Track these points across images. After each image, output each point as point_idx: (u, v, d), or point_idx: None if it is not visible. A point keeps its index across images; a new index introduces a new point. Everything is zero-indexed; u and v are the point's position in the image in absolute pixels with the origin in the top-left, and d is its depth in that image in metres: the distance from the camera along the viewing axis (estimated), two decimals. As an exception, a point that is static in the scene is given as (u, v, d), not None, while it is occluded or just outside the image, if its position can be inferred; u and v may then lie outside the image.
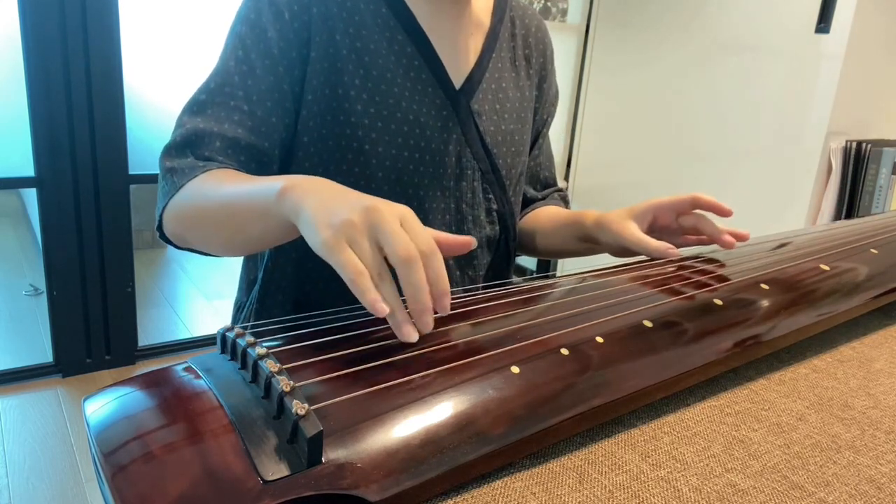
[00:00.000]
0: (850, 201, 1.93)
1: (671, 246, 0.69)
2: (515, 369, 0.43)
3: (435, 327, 0.48)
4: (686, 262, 0.66)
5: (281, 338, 0.45)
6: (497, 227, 0.83)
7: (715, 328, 0.54)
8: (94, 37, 1.97)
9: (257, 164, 0.70)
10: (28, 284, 2.87)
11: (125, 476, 0.33)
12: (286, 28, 0.69)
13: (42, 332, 2.34)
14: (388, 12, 0.74)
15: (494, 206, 0.82)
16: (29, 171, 1.99)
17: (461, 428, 0.39)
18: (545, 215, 0.90)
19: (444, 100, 0.76)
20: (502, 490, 0.39)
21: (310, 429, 0.34)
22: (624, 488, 0.40)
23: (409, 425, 0.38)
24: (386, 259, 0.46)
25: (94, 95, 2.00)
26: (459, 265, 0.81)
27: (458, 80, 0.78)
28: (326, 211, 0.47)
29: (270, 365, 0.38)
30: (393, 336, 0.46)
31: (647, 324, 0.51)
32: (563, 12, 2.59)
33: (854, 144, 1.91)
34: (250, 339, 0.42)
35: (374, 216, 0.45)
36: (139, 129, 2.12)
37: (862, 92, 1.92)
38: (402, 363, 0.43)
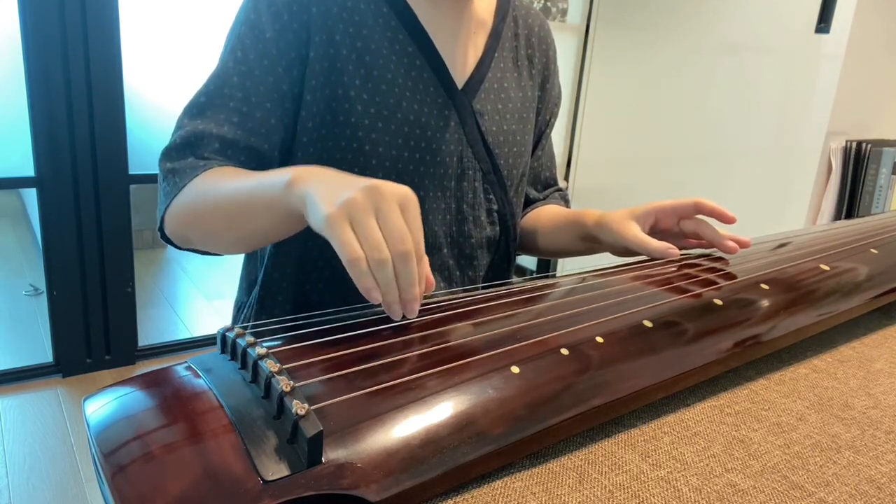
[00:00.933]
0: (850, 201, 1.93)
1: (671, 246, 0.69)
2: (515, 369, 0.43)
3: (435, 327, 0.48)
4: (686, 263, 0.66)
5: (281, 338, 0.45)
6: (497, 228, 0.83)
7: (715, 328, 0.54)
8: (94, 37, 1.97)
9: (257, 164, 0.71)
10: (28, 284, 2.87)
11: (125, 476, 0.33)
12: (285, 28, 0.69)
13: (42, 332, 2.34)
14: (389, 12, 0.74)
15: (495, 207, 0.82)
16: (29, 171, 1.99)
17: (461, 428, 0.39)
18: (546, 215, 0.90)
19: (446, 99, 0.76)
20: (502, 490, 0.39)
21: (310, 429, 0.34)
22: (624, 488, 0.40)
23: (409, 425, 0.38)
24: None
25: (94, 95, 2.00)
26: (459, 266, 0.81)
27: (459, 80, 0.78)
28: (330, 192, 0.49)
29: (270, 365, 0.38)
30: (393, 336, 0.46)
31: (647, 324, 0.51)
32: (563, 12, 2.59)
33: (854, 144, 1.91)
34: (250, 339, 0.42)
35: (375, 196, 0.47)
36: (139, 129, 2.12)
37: (862, 92, 1.92)
38: (403, 363, 0.43)
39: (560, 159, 2.67)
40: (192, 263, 3.26)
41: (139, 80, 2.15)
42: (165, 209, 0.67)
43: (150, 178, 2.16)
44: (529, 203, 0.95)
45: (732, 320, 0.55)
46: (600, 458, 0.42)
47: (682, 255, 0.69)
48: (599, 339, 0.48)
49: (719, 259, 0.67)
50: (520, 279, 0.67)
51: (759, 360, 0.58)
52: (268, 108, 0.70)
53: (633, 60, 2.40)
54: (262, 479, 0.33)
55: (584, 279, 0.60)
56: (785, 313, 0.58)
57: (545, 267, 2.81)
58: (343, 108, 0.71)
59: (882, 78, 1.97)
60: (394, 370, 0.42)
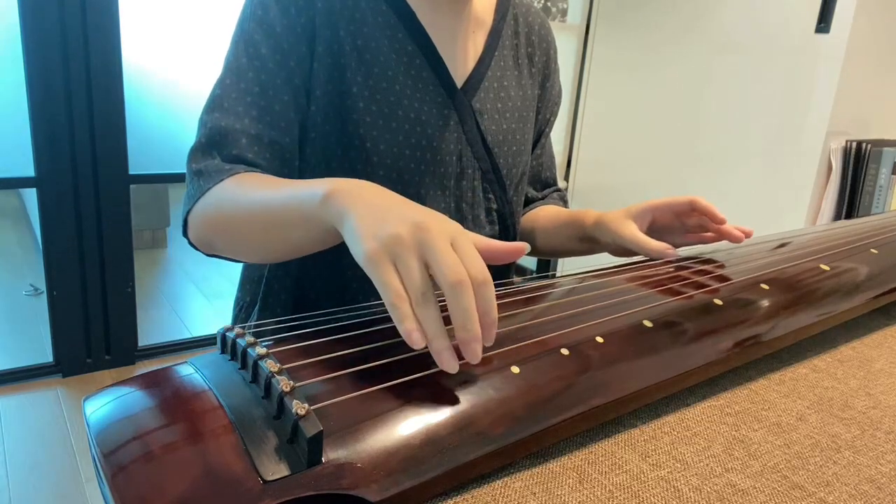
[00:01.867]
0: (850, 201, 1.93)
1: (669, 246, 0.69)
2: (515, 369, 0.43)
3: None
4: (686, 263, 0.66)
5: (281, 338, 0.45)
6: (497, 227, 0.83)
7: (715, 328, 0.54)
8: (94, 37, 1.97)
9: (280, 161, 0.69)
10: (28, 284, 2.87)
11: (125, 476, 0.33)
12: (293, 23, 0.69)
13: (42, 332, 2.34)
14: (388, 10, 0.74)
15: (494, 206, 0.82)
16: (29, 171, 1.99)
17: (461, 428, 0.39)
18: (544, 215, 0.90)
19: (446, 98, 0.76)
20: (502, 490, 0.39)
21: (310, 429, 0.34)
22: (624, 488, 0.40)
23: (409, 425, 0.38)
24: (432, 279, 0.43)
25: (94, 95, 2.00)
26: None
27: (459, 79, 0.78)
28: (374, 221, 0.45)
29: (270, 365, 0.38)
30: (393, 336, 0.46)
31: (647, 324, 0.51)
32: (563, 12, 2.59)
33: (854, 144, 1.91)
34: (250, 339, 0.42)
35: (423, 234, 0.42)
36: (139, 129, 2.12)
37: (862, 92, 1.92)
38: (403, 363, 0.43)
39: (560, 159, 2.67)
40: (193, 263, 3.26)
41: (139, 79, 2.15)
42: (188, 212, 0.66)
43: (150, 178, 2.15)
44: (528, 203, 0.95)
45: (732, 320, 0.55)
46: (600, 458, 0.42)
47: (680, 255, 0.69)
48: (599, 339, 0.48)
49: (718, 260, 0.67)
50: (520, 279, 0.67)
51: (759, 360, 0.58)
52: (285, 101, 0.69)
53: (633, 60, 2.40)
54: (262, 479, 0.33)
55: (584, 279, 0.60)
56: (785, 313, 0.58)
57: (545, 267, 2.81)
58: (346, 104, 0.71)
59: (882, 78, 1.97)
60: (394, 370, 0.42)
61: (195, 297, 2.94)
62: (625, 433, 0.46)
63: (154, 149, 2.14)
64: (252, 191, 0.59)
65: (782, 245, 0.72)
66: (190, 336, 2.50)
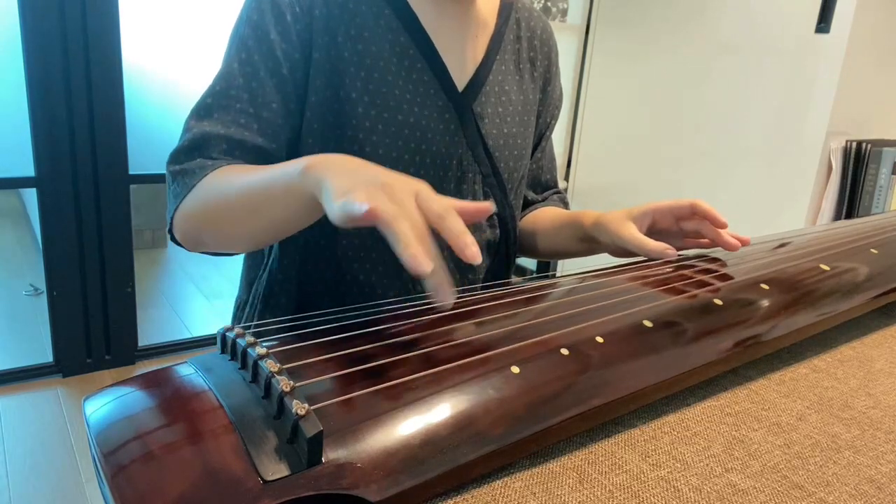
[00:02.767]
0: (850, 201, 1.93)
1: (668, 247, 0.69)
2: (515, 369, 0.43)
3: (435, 327, 0.48)
4: (686, 263, 0.66)
5: (281, 338, 0.45)
6: (497, 231, 0.83)
7: (715, 328, 0.54)
8: (94, 37, 1.97)
9: (265, 164, 0.70)
10: (28, 284, 2.87)
11: (125, 476, 0.33)
12: (289, 29, 0.69)
13: (42, 332, 2.34)
14: (390, 14, 0.74)
15: (495, 210, 0.82)
16: (29, 171, 1.99)
17: (461, 428, 0.39)
18: (545, 216, 0.90)
19: (447, 102, 0.76)
20: (502, 490, 0.39)
21: (310, 429, 0.34)
22: (624, 488, 0.40)
23: (409, 425, 0.38)
24: None
25: (94, 95, 2.00)
26: (459, 268, 0.81)
27: (461, 83, 0.77)
28: (346, 180, 0.48)
29: (270, 365, 0.38)
30: (393, 336, 0.46)
31: (647, 324, 0.51)
32: (563, 12, 2.59)
33: (854, 144, 1.91)
34: (250, 338, 0.42)
35: (390, 190, 0.46)
36: (139, 129, 2.12)
37: (862, 92, 1.92)
38: (402, 363, 0.43)
39: (560, 159, 2.67)
40: (193, 263, 3.26)
41: (139, 79, 2.15)
42: (175, 210, 0.67)
43: (150, 178, 2.15)
44: (528, 205, 0.95)
45: (732, 320, 0.55)
46: (600, 458, 0.42)
47: (679, 255, 0.69)
48: (599, 339, 0.48)
49: (718, 260, 0.67)
50: (520, 279, 0.67)
51: (759, 360, 0.58)
52: (274, 109, 0.70)
53: (633, 60, 2.40)
54: (262, 479, 0.33)
55: (584, 279, 0.60)
56: (785, 313, 0.58)
57: (545, 267, 2.81)
58: (344, 110, 0.71)
59: (882, 78, 1.97)
60: (394, 370, 0.42)
61: (195, 297, 2.94)
62: (625, 433, 0.46)
63: (154, 149, 2.14)
64: (236, 178, 0.61)
65: (782, 245, 0.72)
66: (190, 336, 2.50)
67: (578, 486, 0.39)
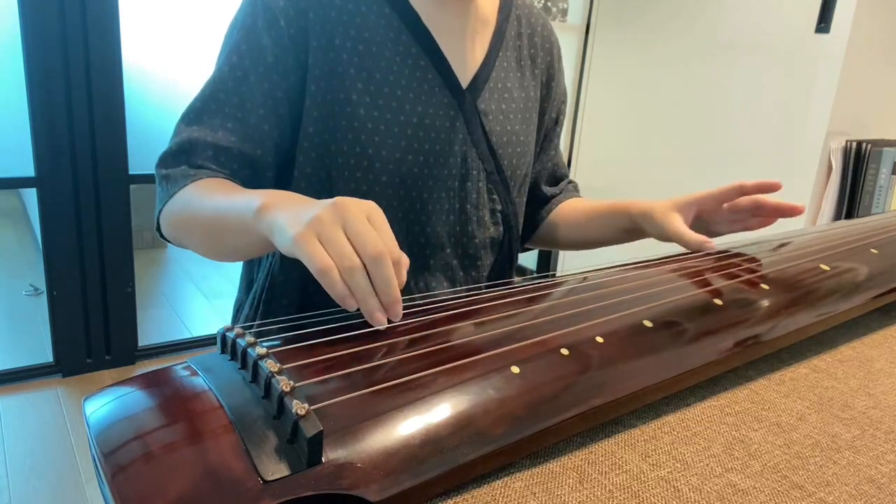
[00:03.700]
0: (850, 201, 1.93)
1: (707, 239, 0.72)
2: (515, 369, 0.43)
3: (435, 327, 0.48)
4: (687, 263, 0.66)
5: (281, 338, 0.45)
6: (501, 228, 0.83)
7: (715, 328, 0.54)
8: (94, 37, 1.97)
9: (251, 170, 0.72)
10: (28, 284, 2.87)
11: (125, 476, 0.33)
12: (281, 35, 0.70)
13: (42, 332, 2.34)
14: (392, 13, 0.73)
15: (499, 207, 0.82)
16: (29, 171, 1.99)
17: (461, 428, 0.39)
18: (572, 208, 0.92)
19: (451, 99, 0.76)
20: (502, 490, 0.39)
21: (310, 429, 0.34)
22: (624, 488, 0.40)
23: (409, 425, 0.38)
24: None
25: (94, 95, 2.00)
26: (463, 266, 0.81)
27: (464, 80, 0.77)
28: (295, 215, 0.49)
29: (270, 365, 0.38)
30: (393, 336, 0.46)
31: (647, 324, 0.51)
32: (564, 12, 2.59)
33: (854, 144, 1.91)
34: (250, 339, 0.42)
35: (342, 212, 0.47)
36: (139, 129, 2.12)
37: (862, 92, 1.92)
38: (403, 363, 0.43)
39: (560, 159, 2.67)
40: (192, 263, 3.26)
41: (139, 79, 2.15)
42: (160, 212, 0.70)
43: (150, 178, 2.15)
44: (547, 199, 0.96)
45: (732, 320, 0.55)
46: (600, 458, 0.42)
47: (715, 247, 0.71)
48: (599, 339, 0.48)
49: (720, 259, 0.67)
50: (520, 279, 0.67)
51: (759, 360, 0.58)
52: (261, 115, 0.70)
53: (633, 60, 2.40)
54: (262, 479, 0.33)
55: (584, 279, 0.60)
56: (785, 313, 0.58)
57: (545, 267, 2.81)
58: (345, 112, 0.71)
59: (882, 78, 1.97)
60: (394, 370, 0.42)
61: (195, 297, 2.94)
62: (625, 433, 0.46)
63: (154, 149, 2.12)
64: (206, 197, 0.64)
65: (782, 245, 0.72)
66: (190, 336, 2.50)
67: (578, 486, 0.39)
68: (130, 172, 2.11)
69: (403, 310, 0.48)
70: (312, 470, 0.34)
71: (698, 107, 2.20)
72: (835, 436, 0.47)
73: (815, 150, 1.90)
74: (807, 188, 1.93)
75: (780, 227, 0.79)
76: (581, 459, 0.42)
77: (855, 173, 1.92)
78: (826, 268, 0.65)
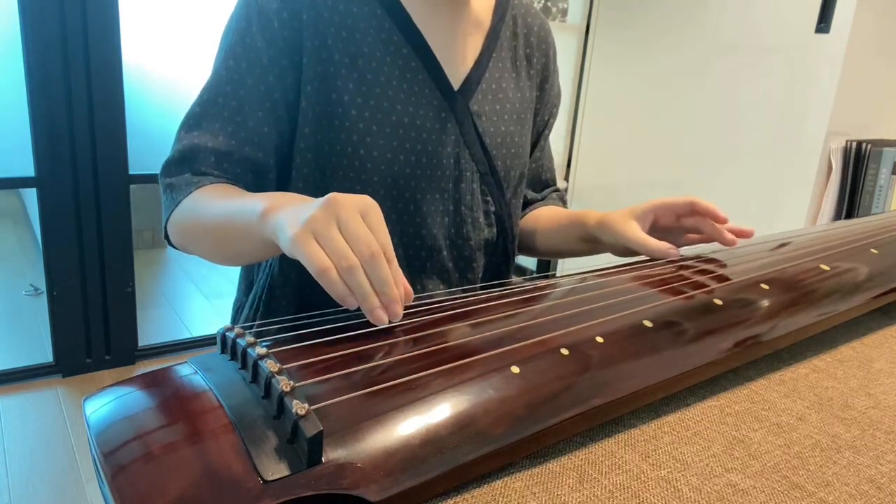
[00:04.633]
0: (850, 201, 1.93)
1: (672, 246, 0.70)
2: (515, 369, 0.43)
3: (435, 327, 0.48)
4: (686, 263, 0.66)
5: (281, 338, 0.45)
6: (495, 230, 0.83)
7: (715, 328, 0.54)
8: (94, 37, 1.97)
9: (253, 174, 0.72)
10: (28, 284, 2.87)
11: (125, 476, 0.33)
12: (275, 36, 0.70)
13: (42, 332, 2.34)
14: (383, 14, 0.73)
15: (493, 209, 0.82)
16: (29, 171, 1.99)
17: (461, 428, 0.39)
18: (545, 216, 0.90)
19: (442, 101, 0.75)
20: (502, 490, 0.39)
21: (310, 429, 0.34)
22: (624, 488, 0.40)
23: (409, 425, 0.38)
24: None
25: (94, 95, 2.00)
26: (458, 268, 0.81)
27: (456, 81, 0.77)
28: (294, 216, 0.50)
29: (270, 365, 0.38)
30: (393, 336, 0.46)
31: (647, 324, 0.51)
32: (564, 12, 2.59)
33: (854, 144, 1.91)
34: (250, 339, 0.42)
35: (337, 209, 0.48)
36: (139, 129, 2.12)
37: (862, 92, 1.92)
38: (403, 363, 0.43)
39: (560, 159, 2.67)
40: (193, 263, 3.26)
41: (139, 79, 2.15)
42: (167, 221, 0.71)
43: (150, 179, 2.15)
44: (528, 204, 0.95)
45: (732, 320, 0.55)
46: (600, 458, 0.42)
47: (682, 255, 0.69)
48: (599, 339, 0.48)
49: (719, 260, 0.67)
50: (519, 279, 0.67)
51: (759, 360, 0.58)
52: (260, 117, 0.71)
53: (633, 60, 2.40)
54: (263, 479, 0.33)
55: (584, 279, 0.60)
56: (785, 313, 0.58)
57: (545, 267, 2.81)
58: (337, 112, 0.71)
59: (882, 78, 1.97)
60: (394, 370, 0.42)
61: (195, 297, 2.94)
62: (625, 433, 0.46)
63: (154, 149, 2.14)
64: (211, 203, 0.64)
65: (782, 245, 0.72)
66: (190, 336, 2.50)
67: (578, 486, 0.39)
68: (130, 172, 2.11)
69: (404, 310, 0.48)
70: (312, 470, 0.34)
71: (698, 107, 2.19)
72: (835, 436, 0.47)
73: (815, 150, 1.90)
74: (807, 188, 1.93)
75: (780, 228, 0.79)
76: (581, 459, 0.42)
77: (855, 173, 1.92)
78: (826, 268, 0.65)
